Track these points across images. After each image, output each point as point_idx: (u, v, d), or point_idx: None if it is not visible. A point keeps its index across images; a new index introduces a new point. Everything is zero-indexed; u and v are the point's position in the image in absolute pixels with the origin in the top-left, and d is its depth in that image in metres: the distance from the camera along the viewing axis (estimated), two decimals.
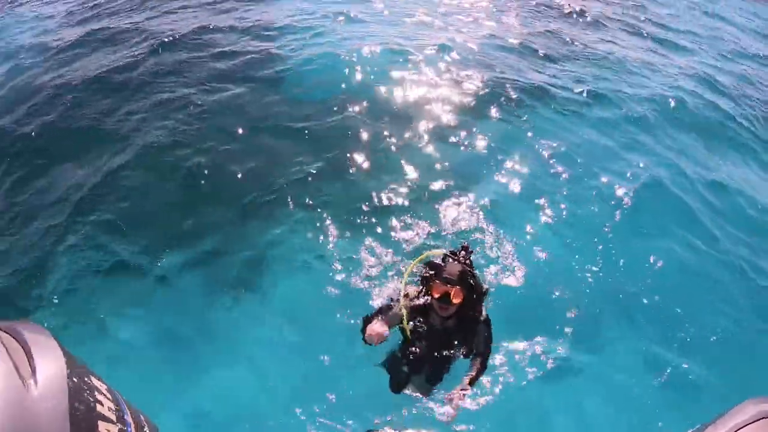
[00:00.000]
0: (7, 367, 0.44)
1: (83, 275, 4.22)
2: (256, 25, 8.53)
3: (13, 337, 0.48)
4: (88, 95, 6.84)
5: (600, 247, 4.49)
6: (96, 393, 0.51)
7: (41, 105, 6.85)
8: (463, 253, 3.20)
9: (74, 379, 0.49)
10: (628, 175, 5.35)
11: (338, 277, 3.94)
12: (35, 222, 4.75)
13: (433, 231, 4.37)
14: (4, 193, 5.23)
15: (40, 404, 0.44)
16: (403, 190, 4.86)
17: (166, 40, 8.12)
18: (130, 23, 9.31)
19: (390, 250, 4.14)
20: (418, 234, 4.32)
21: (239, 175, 5.11)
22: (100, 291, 4.10)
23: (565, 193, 5.01)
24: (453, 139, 5.69)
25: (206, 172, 5.18)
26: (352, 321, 3.49)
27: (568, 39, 9.07)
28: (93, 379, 0.53)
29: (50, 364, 0.47)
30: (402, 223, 4.45)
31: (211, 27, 8.50)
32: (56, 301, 3.99)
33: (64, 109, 6.63)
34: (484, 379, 3.06)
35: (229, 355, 3.65)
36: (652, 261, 4.45)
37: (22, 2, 13.27)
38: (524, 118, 6.19)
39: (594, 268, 4.22)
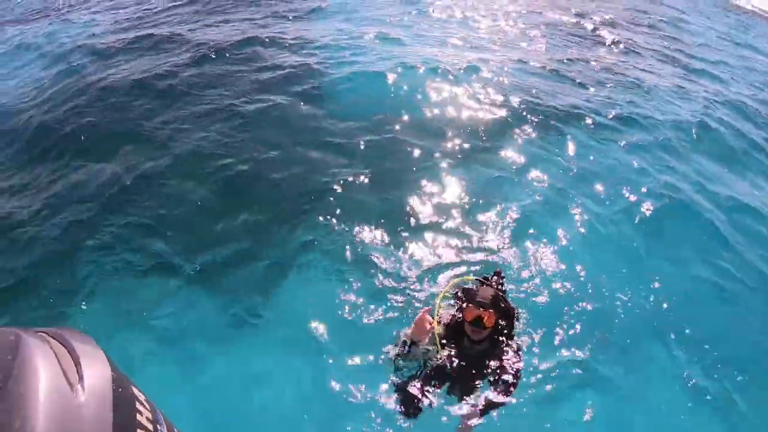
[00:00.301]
0: (55, 371, 0.45)
1: (110, 275, 4.32)
2: (296, 42, 8.80)
3: (61, 344, 0.49)
4: (130, 99, 7.12)
5: (631, 269, 4.45)
6: (136, 402, 0.53)
7: (84, 106, 7.14)
8: (495, 278, 3.23)
9: (118, 388, 0.50)
10: (659, 198, 5.32)
11: (367, 295, 3.89)
12: (68, 219, 4.92)
13: (464, 253, 4.35)
14: (41, 188, 5.45)
15: (86, 410, 0.46)
16: (436, 209, 4.87)
17: (208, 51, 8.45)
18: (174, 33, 9.71)
19: (422, 272, 4.12)
20: (450, 256, 4.31)
21: (272, 186, 5.23)
22: (126, 291, 4.18)
23: (595, 215, 5.00)
24: (484, 159, 5.75)
25: (241, 181, 5.31)
26: (379, 338, 3.48)
27: (600, 65, 9.13)
28: (134, 388, 0.54)
29: (96, 372, 0.49)
30: (435, 244, 4.38)
31: (252, 41, 8.79)
32: (81, 299, 4.05)
33: (106, 111, 6.91)
34: (513, 399, 3.02)
35: (243, 361, 3.64)
36: (683, 284, 4.40)
37: (72, 9, 13.95)
38: (555, 141, 6.23)
39: (624, 294, 4.15)
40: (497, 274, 3.30)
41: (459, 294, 3.13)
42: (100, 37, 10.34)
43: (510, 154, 5.83)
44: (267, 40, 8.81)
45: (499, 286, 3.14)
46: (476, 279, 3.14)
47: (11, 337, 0.43)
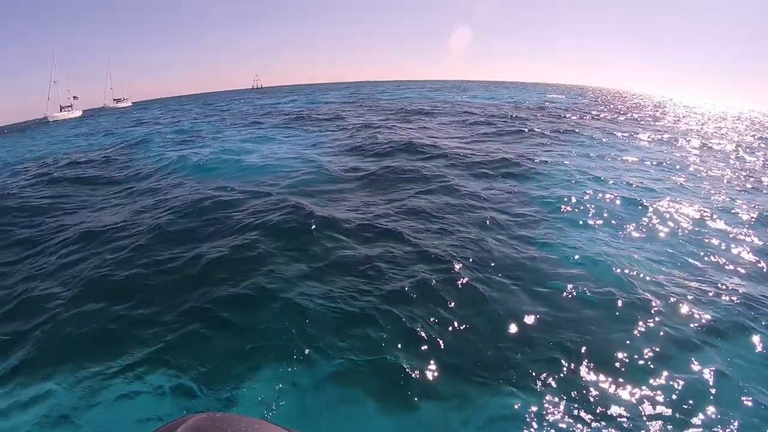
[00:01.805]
0: None
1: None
2: (542, 170, 9.41)
3: None
4: (352, 188, 7.95)
5: None
6: None
7: (306, 188, 8.07)
8: None
9: None
10: None
11: None
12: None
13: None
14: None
15: None
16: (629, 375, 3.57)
17: (452, 160, 9.63)
18: (425, 144, 11.38)
19: None
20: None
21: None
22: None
23: None
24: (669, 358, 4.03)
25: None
26: None
27: None
28: None
29: None
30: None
31: (507, 161, 9.82)
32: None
33: (321, 194, 7.69)
34: None
35: None
36: None
37: (306, 123, 16.87)
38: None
39: None
40: None
41: None
42: (331, 146, 12.35)
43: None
44: (517, 162, 9.87)
45: None
46: None
47: (257, 425, 0.53)
